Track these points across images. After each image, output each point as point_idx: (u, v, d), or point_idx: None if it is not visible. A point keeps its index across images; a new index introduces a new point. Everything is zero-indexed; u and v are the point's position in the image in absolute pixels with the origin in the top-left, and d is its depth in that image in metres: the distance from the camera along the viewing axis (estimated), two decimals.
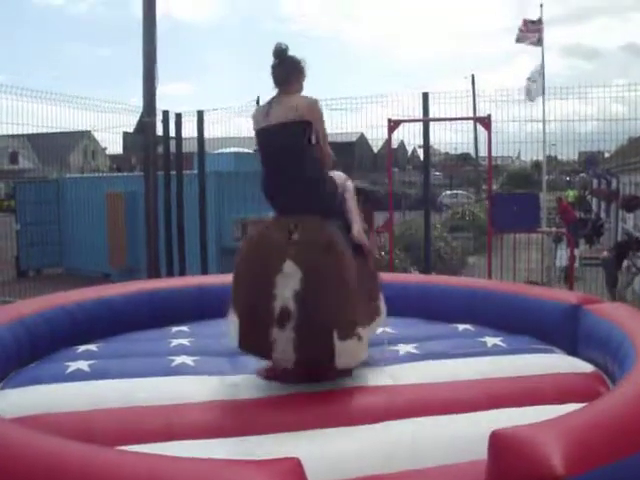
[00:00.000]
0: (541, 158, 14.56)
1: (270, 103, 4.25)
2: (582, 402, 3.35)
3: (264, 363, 4.27)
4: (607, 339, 4.35)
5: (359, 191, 4.63)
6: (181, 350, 4.67)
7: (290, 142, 4.14)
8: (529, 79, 14.07)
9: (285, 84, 4.23)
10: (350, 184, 4.45)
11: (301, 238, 4.01)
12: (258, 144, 4.35)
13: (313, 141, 4.18)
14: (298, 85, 4.31)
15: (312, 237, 4.01)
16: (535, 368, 4.25)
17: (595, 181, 26.77)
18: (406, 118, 9.63)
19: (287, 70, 4.24)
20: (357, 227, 4.31)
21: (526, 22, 14.61)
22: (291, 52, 4.27)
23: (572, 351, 4.77)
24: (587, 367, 4.38)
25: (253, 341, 4.09)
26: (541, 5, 14.86)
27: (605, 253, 12.07)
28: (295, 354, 3.96)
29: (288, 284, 3.92)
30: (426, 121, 9.47)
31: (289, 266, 3.93)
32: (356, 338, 3.95)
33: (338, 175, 4.42)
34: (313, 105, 4.19)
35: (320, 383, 4.01)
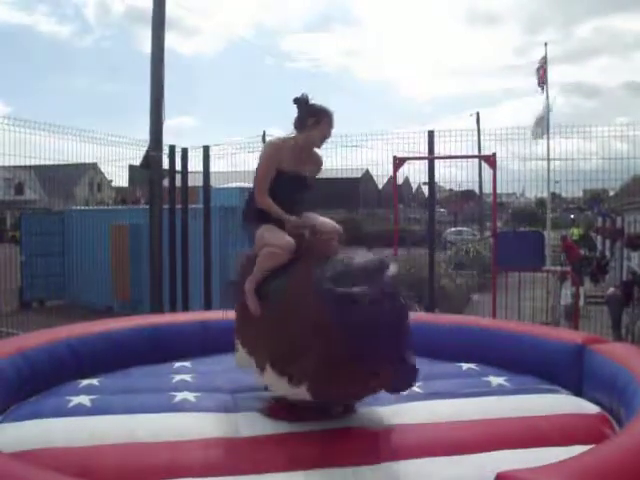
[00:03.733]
0: (545, 195, 14.56)
1: None
2: (587, 444, 3.32)
3: (266, 400, 4.24)
4: (613, 380, 4.31)
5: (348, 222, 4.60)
6: (183, 386, 4.63)
7: None
8: (537, 118, 14.10)
9: None
10: None
11: None
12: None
13: None
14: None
15: None
16: (540, 408, 4.20)
17: (600, 219, 26.78)
18: (411, 155, 9.68)
19: None
20: None
21: (543, 69, 14.63)
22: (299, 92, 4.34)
23: (577, 392, 4.73)
24: (592, 408, 4.33)
25: None
26: (545, 44, 15.05)
27: (612, 289, 12.02)
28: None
29: None
30: (431, 159, 9.52)
31: None
32: None
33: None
34: None
35: (323, 421, 3.97)
